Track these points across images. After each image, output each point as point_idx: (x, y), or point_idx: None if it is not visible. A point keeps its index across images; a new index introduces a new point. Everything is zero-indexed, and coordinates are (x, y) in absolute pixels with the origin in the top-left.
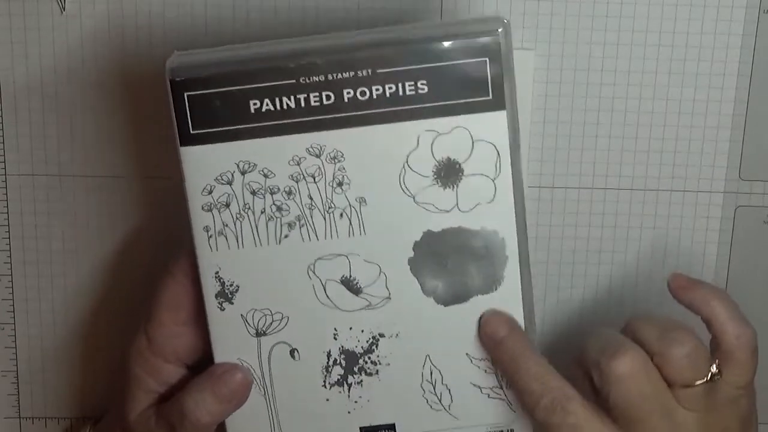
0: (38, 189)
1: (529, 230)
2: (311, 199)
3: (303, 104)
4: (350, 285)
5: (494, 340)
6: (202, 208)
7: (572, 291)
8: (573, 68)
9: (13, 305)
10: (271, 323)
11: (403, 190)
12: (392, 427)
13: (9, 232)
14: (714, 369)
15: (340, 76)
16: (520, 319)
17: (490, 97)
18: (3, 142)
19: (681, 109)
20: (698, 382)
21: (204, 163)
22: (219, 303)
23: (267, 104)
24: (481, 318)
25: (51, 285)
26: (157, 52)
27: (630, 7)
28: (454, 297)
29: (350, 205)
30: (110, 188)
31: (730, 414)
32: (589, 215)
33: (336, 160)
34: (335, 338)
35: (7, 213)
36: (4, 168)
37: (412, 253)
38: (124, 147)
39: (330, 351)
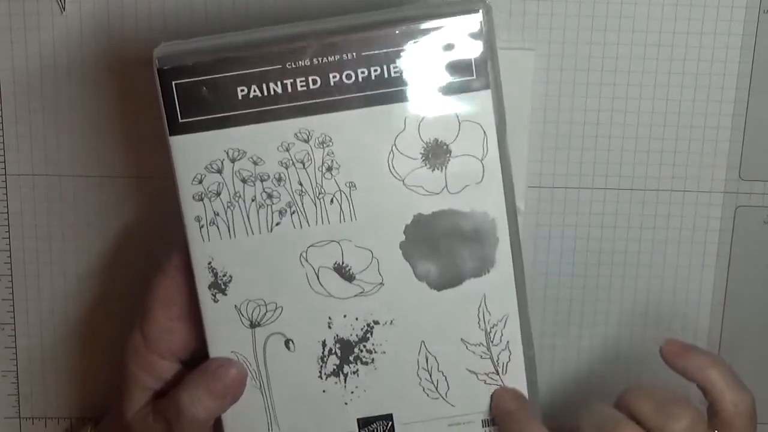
0: (38, 189)
1: (529, 230)
2: (301, 185)
3: (290, 89)
4: (343, 272)
5: (504, 412)
6: (193, 197)
7: (572, 291)
8: (573, 68)
9: (13, 305)
10: (265, 314)
11: (392, 174)
12: (389, 417)
13: (9, 232)
14: None
15: (325, 60)
16: (513, 301)
17: (474, 76)
18: (3, 142)
19: (681, 109)
20: None
21: (193, 152)
22: (212, 294)
23: (254, 90)
24: (493, 395)
25: (51, 285)
26: None
27: (630, 7)
28: (447, 281)
29: (340, 190)
30: (110, 188)
31: None
32: (589, 215)
33: (324, 145)
34: (330, 327)
35: (7, 213)
36: (4, 168)
37: (403, 237)
38: (124, 147)
39: (325, 340)
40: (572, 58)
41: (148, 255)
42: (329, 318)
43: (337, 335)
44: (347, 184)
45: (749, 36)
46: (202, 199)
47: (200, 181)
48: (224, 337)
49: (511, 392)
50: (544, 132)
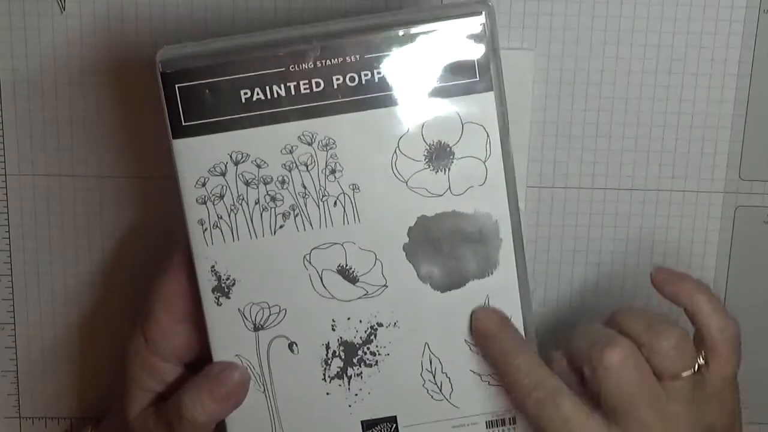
0: (38, 189)
1: (529, 230)
2: (305, 187)
3: (293, 92)
4: (347, 274)
5: (486, 336)
6: (196, 200)
7: (572, 291)
8: (573, 68)
9: (13, 305)
10: (268, 317)
11: (396, 176)
12: (393, 419)
13: (9, 232)
14: (701, 360)
15: (328, 62)
16: (517, 303)
17: (477, 78)
18: (3, 142)
19: (681, 109)
20: (685, 374)
21: (197, 155)
22: (216, 298)
23: (257, 93)
24: (472, 315)
25: (51, 285)
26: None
27: (630, 7)
28: (450, 282)
29: (344, 193)
30: (110, 188)
31: (717, 407)
32: (589, 215)
33: (328, 148)
34: (333, 329)
35: (7, 213)
36: (4, 168)
37: (407, 239)
38: (124, 147)
39: (329, 343)
40: (572, 58)
41: (148, 255)
42: (333, 320)
43: (341, 338)
44: (350, 187)
45: (749, 36)
46: (205, 203)
47: (203, 185)
48: (228, 340)
49: (494, 313)
50: (544, 132)
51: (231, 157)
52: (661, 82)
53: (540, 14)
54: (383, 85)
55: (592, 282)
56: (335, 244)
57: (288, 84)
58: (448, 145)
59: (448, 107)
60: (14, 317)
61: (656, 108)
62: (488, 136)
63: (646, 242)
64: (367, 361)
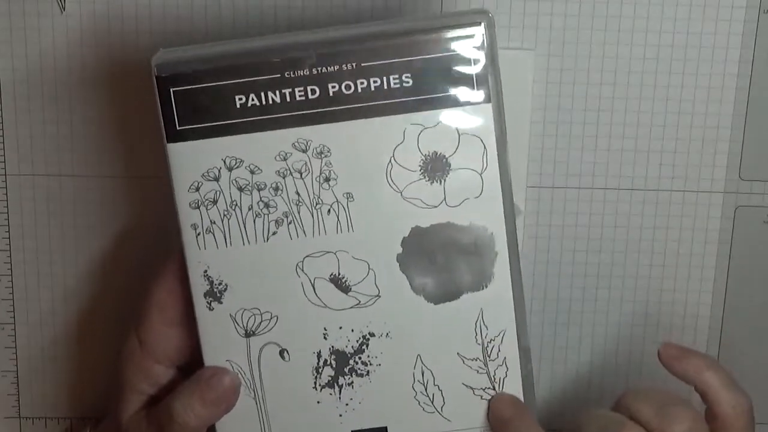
0: (38, 189)
1: (529, 230)
2: (298, 195)
3: (289, 99)
4: (339, 283)
5: (501, 421)
6: (190, 205)
7: (572, 291)
8: (573, 68)
9: (13, 305)
10: (260, 323)
11: (391, 185)
12: (384, 430)
13: (9, 232)
14: None
15: (325, 70)
16: (511, 316)
17: (476, 89)
18: (3, 142)
19: (681, 109)
20: None
21: (191, 160)
22: (208, 302)
23: (252, 99)
24: (489, 401)
25: (51, 285)
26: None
27: (630, 7)
28: (444, 295)
29: (338, 201)
30: (110, 188)
31: None
32: (589, 215)
33: (322, 155)
34: (325, 338)
35: (7, 213)
36: (4, 168)
37: (400, 250)
38: (124, 147)
39: (320, 351)
40: (572, 58)
41: (148, 254)
42: (324, 329)
43: (333, 346)
44: (345, 195)
45: (749, 36)
46: (198, 207)
47: (197, 189)
48: (219, 345)
49: (509, 398)
50: (544, 132)
51: (225, 162)
52: (661, 82)
53: (540, 14)
54: (379, 94)
55: (592, 282)
56: (328, 252)
57: (283, 90)
58: (444, 156)
59: (444, 118)
60: (14, 317)
61: (656, 108)
62: (485, 148)
63: (646, 242)
64: (359, 371)
